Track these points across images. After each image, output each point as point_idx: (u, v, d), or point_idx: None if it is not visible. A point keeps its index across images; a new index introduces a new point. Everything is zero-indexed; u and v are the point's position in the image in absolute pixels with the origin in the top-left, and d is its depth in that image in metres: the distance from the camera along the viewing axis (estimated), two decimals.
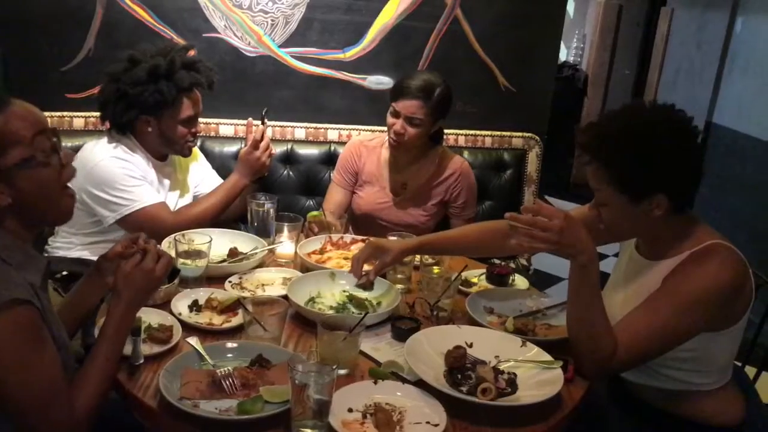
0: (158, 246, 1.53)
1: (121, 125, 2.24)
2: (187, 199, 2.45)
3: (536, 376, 1.55)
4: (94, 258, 2.18)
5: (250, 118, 2.42)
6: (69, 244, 2.28)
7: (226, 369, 1.46)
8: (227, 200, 2.33)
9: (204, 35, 2.91)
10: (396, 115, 2.41)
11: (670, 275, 1.59)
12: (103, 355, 1.37)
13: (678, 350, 1.59)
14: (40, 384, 1.22)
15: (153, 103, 2.18)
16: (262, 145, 2.35)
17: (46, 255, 2.27)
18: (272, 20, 2.93)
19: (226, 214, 2.42)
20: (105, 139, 2.26)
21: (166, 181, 2.37)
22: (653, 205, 1.56)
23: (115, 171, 2.16)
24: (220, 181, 2.47)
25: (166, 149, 2.33)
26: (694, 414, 1.68)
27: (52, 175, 1.33)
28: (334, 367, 1.33)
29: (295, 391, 1.30)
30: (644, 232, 1.67)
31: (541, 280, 3.60)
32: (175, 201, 2.38)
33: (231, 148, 2.87)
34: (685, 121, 1.59)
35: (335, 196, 2.62)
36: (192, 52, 2.37)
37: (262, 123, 2.38)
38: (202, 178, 2.53)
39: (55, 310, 1.54)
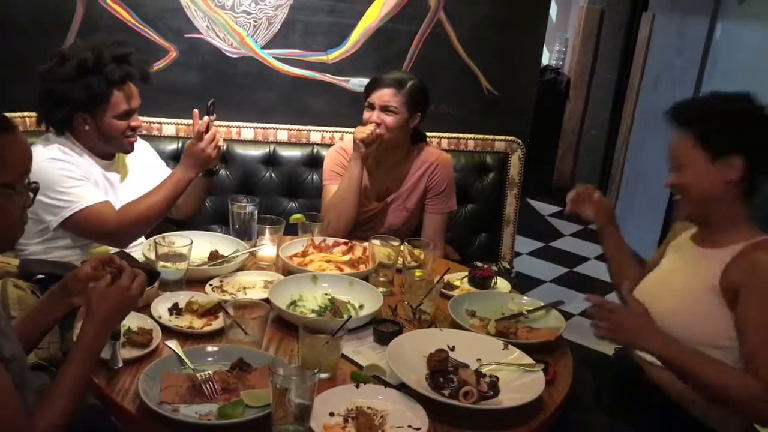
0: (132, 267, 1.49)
1: (57, 125, 2.18)
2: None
3: (518, 379, 1.56)
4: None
5: (195, 110, 2.31)
6: (20, 255, 2.19)
7: (206, 373, 1.45)
8: (173, 195, 2.22)
9: (186, 36, 2.89)
10: (371, 107, 2.43)
11: (746, 276, 1.64)
12: (70, 377, 1.32)
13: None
14: None
15: (84, 99, 2.11)
16: (207, 136, 2.23)
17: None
18: (255, 21, 2.92)
19: (184, 212, 2.39)
20: (41, 143, 2.18)
21: (116, 180, 2.30)
22: (729, 166, 1.65)
23: (53, 173, 2.09)
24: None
25: (106, 147, 2.25)
26: (705, 415, 1.70)
27: (17, 210, 1.32)
28: (315, 371, 1.32)
29: (276, 395, 1.29)
30: (714, 204, 1.72)
31: (523, 283, 3.62)
32: (129, 199, 2.28)
33: None
34: None
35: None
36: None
37: (208, 114, 2.28)
38: (154, 172, 2.42)
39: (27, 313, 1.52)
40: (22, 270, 2.08)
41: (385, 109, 2.41)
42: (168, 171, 2.42)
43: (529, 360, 1.61)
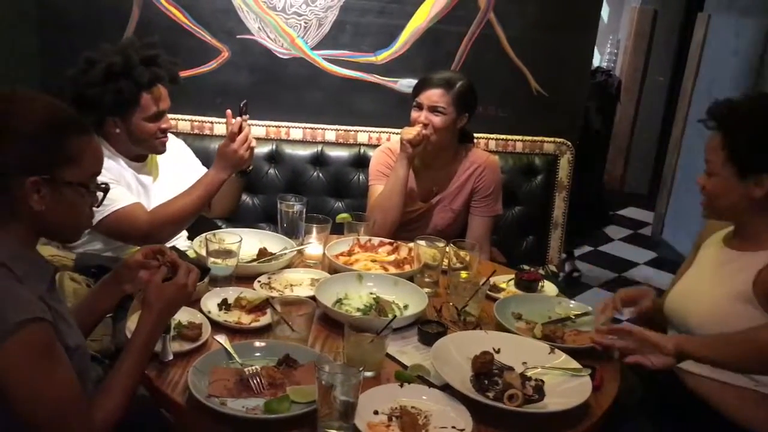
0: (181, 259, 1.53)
1: None
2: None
3: (564, 384, 1.54)
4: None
5: (228, 110, 2.29)
6: (52, 258, 2.25)
7: (253, 368, 1.47)
8: (206, 196, 2.22)
9: (238, 37, 2.93)
10: (419, 107, 2.43)
11: None
12: (126, 369, 1.36)
13: None
14: (55, 402, 1.22)
15: (114, 103, 2.11)
16: (240, 138, 2.21)
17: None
18: (305, 23, 2.95)
19: (219, 211, 2.41)
20: None
21: (148, 182, 2.32)
22: (756, 185, 1.65)
23: None
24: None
25: (138, 149, 2.27)
26: (753, 421, 1.66)
27: (85, 208, 1.39)
28: (360, 369, 1.33)
29: (321, 392, 1.31)
30: (741, 213, 1.71)
31: (570, 287, 3.57)
32: (162, 200, 2.29)
33: (263, 149, 2.88)
34: None
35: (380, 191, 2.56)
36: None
37: (240, 115, 2.25)
38: (188, 172, 2.43)
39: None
40: (77, 264, 2.14)
41: (433, 109, 2.41)
42: (204, 170, 2.43)
43: (575, 365, 1.59)
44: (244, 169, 2.34)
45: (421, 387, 1.49)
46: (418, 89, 2.47)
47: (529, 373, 1.54)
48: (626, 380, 1.68)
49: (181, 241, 2.39)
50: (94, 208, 2.02)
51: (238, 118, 2.24)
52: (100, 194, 1.41)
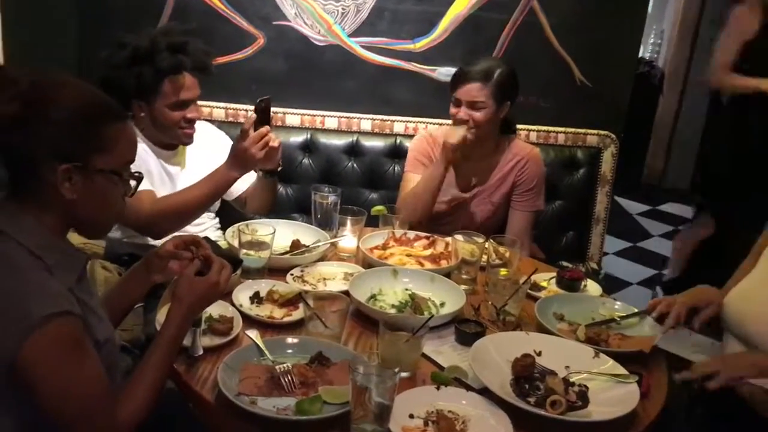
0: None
1: None
2: None
3: (609, 390, 1.47)
4: None
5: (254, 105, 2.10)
6: (83, 247, 2.18)
7: (285, 365, 1.43)
8: (213, 192, 2.09)
9: (274, 23, 2.89)
10: (458, 103, 2.35)
11: None
12: (154, 363, 1.32)
13: None
14: (82, 399, 1.19)
15: (134, 87, 2.06)
16: (253, 136, 2.02)
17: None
18: (343, 9, 2.89)
19: (254, 208, 2.34)
20: None
21: (175, 171, 2.26)
22: None
23: None
24: None
25: (163, 136, 2.20)
26: None
27: (118, 197, 1.34)
28: (396, 370, 1.27)
29: (355, 393, 1.26)
30: None
31: (610, 285, 3.48)
32: None
33: (297, 138, 2.85)
34: None
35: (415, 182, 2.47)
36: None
37: (256, 112, 2.05)
38: (220, 162, 2.23)
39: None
40: (107, 251, 2.12)
41: (472, 105, 2.32)
42: None
43: (622, 370, 1.51)
44: (271, 169, 2.19)
45: (460, 390, 1.43)
46: (454, 84, 2.37)
47: (572, 379, 1.46)
48: (673, 387, 1.60)
49: (211, 230, 2.36)
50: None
51: (252, 115, 2.08)
52: (133, 183, 1.36)
